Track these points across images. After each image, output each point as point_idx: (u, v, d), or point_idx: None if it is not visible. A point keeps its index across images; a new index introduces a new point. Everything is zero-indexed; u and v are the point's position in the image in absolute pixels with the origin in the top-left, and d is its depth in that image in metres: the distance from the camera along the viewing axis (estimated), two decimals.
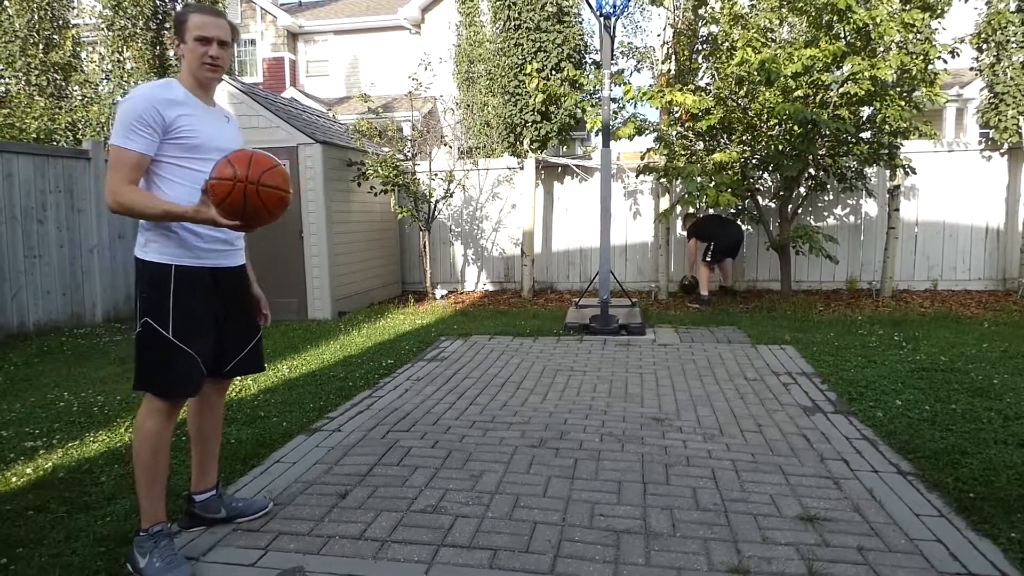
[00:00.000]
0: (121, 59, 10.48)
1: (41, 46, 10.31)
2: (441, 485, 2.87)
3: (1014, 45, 7.29)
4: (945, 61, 6.75)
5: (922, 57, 6.59)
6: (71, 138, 10.24)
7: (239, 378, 4.64)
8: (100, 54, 10.92)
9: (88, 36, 11.60)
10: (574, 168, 9.05)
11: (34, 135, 9.80)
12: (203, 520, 2.54)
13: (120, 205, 2.13)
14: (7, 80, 10.28)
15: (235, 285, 2.43)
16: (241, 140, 2.47)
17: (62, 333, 6.60)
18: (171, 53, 10.48)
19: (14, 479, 3.01)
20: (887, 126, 6.76)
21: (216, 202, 2.04)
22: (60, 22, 10.66)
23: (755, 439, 3.36)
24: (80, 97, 10.79)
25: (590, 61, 8.72)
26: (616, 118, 7.39)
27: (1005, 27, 7.12)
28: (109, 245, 7.42)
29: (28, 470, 3.11)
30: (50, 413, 4.02)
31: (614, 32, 6.31)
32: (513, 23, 8.20)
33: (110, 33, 10.37)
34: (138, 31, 10.21)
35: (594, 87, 7.77)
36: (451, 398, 4.21)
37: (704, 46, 7.79)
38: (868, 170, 7.77)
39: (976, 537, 2.35)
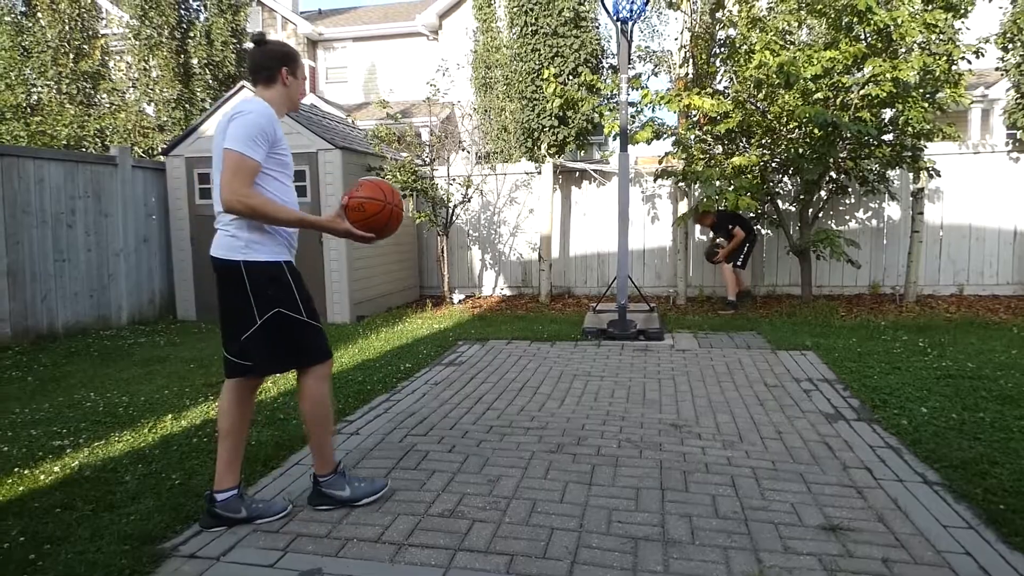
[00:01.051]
0: (147, 67, 10.70)
1: (71, 56, 10.55)
2: (458, 489, 2.87)
3: None
4: (969, 62, 6.63)
5: (945, 58, 6.48)
6: (99, 144, 10.46)
7: None
8: (127, 63, 11.16)
9: (116, 45, 11.85)
10: (592, 172, 9.04)
11: (64, 142, 10.03)
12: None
13: (246, 207, 2.35)
14: (39, 89, 10.53)
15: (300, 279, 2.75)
16: None
17: (89, 335, 6.72)
18: (195, 61, 10.69)
19: (42, 477, 3.07)
20: (910, 128, 6.65)
21: (362, 218, 2.50)
22: (90, 32, 10.92)
23: (775, 446, 3.32)
24: (108, 104, 11.03)
25: (607, 66, 8.71)
26: (634, 122, 7.37)
27: None
28: (135, 249, 7.55)
29: (56, 468, 3.17)
30: (77, 413, 4.10)
31: (631, 36, 6.30)
32: (530, 28, 8.22)
33: (137, 42, 10.60)
34: (163, 40, 10.43)
35: (611, 91, 7.76)
36: (468, 402, 4.22)
37: (722, 49, 7.74)
38: (891, 173, 7.65)
39: (1007, 550, 2.30)
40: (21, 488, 2.96)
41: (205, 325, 7.45)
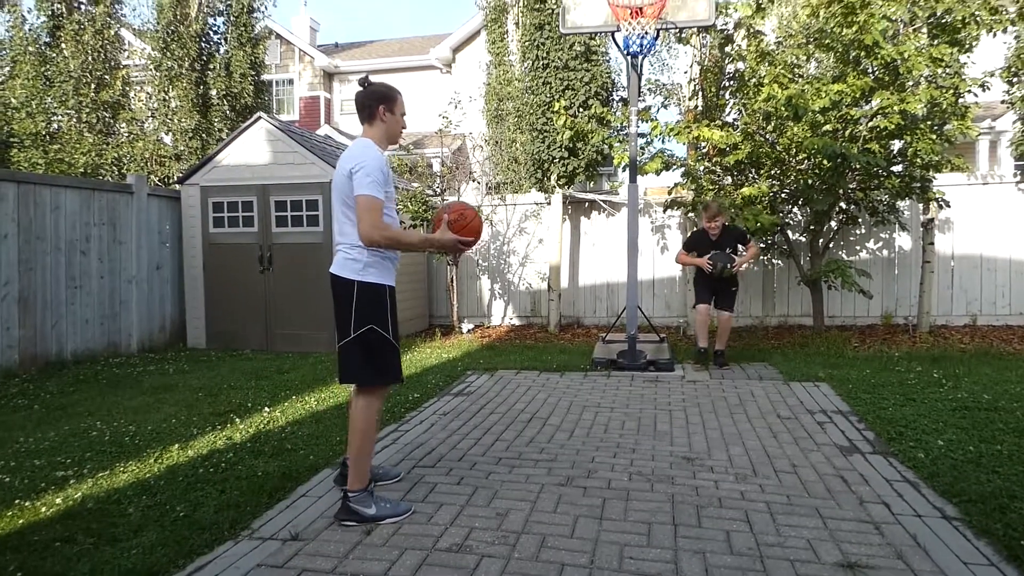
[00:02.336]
0: (167, 98, 10.93)
1: (93, 86, 10.80)
2: (466, 523, 2.83)
3: None
4: (975, 95, 6.68)
5: (952, 91, 6.52)
6: (116, 172, 10.64)
7: (267, 410, 4.74)
8: (147, 93, 11.40)
9: (137, 76, 12.13)
10: (601, 203, 9.08)
11: (81, 169, 10.20)
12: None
13: (386, 239, 2.75)
14: (59, 117, 10.76)
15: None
16: None
17: (98, 362, 6.75)
18: (213, 93, 10.91)
19: (44, 509, 3.05)
20: (919, 159, 6.67)
21: (462, 225, 2.96)
22: (112, 63, 11.18)
23: (790, 480, 3.26)
24: (127, 134, 11.25)
25: (617, 98, 8.81)
26: (643, 153, 7.43)
27: None
28: (147, 276, 7.62)
29: (58, 500, 3.15)
30: (82, 442, 4.09)
31: (641, 70, 6.38)
32: (542, 62, 8.36)
33: (157, 73, 10.85)
34: (183, 71, 10.66)
35: (621, 123, 7.83)
36: (477, 433, 4.18)
37: (731, 82, 7.82)
38: (900, 203, 7.65)
39: None
40: (21, 521, 2.93)
41: (215, 353, 7.47)
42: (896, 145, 7.04)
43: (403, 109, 2.99)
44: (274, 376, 6.06)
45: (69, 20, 10.62)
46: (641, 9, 5.77)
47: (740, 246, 6.14)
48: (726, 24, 7.71)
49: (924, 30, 6.81)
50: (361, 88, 2.95)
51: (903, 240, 8.21)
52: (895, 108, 6.22)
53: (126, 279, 7.38)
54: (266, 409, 4.81)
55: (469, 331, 8.81)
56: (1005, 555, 2.44)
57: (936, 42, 6.53)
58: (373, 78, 3.04)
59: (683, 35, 8.09)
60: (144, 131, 11.21)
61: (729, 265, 5.85)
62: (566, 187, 8.67)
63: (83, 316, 6.85)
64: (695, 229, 6.52)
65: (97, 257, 7.04)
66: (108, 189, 7.28)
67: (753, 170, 7.53)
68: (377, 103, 2.90)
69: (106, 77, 10.99)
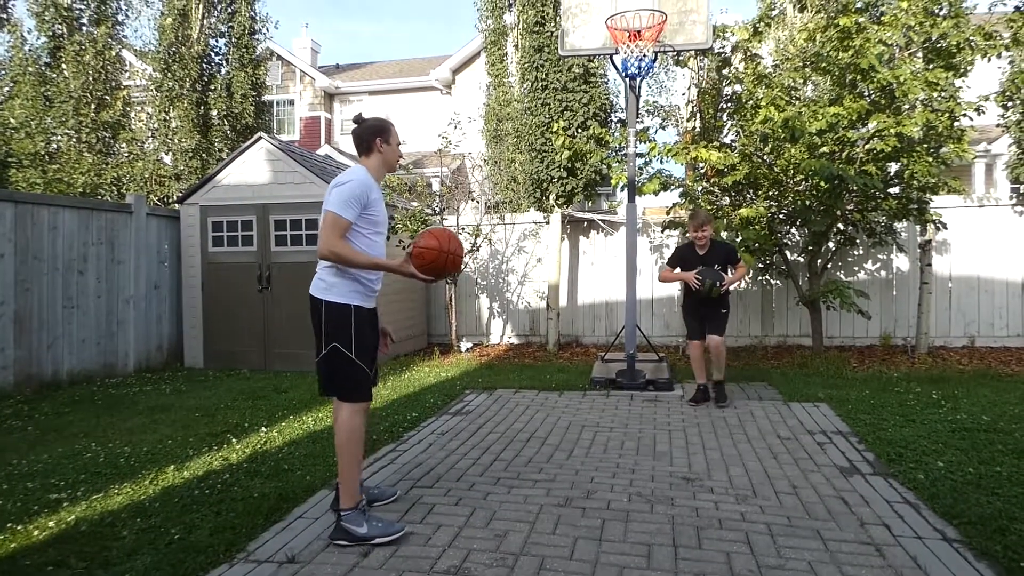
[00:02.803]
0: (168, 118, 11.01)
1: (93, 106, 10.87)
2: (465, 545, 2.80)
3: None
4: (971, 118, 6.75)
5: (947, 114, 6.60)
6: (115, 192, 10.67)
7: (264, 430, 4.71)
8: (148, 113, 11.48)
9: (137, 96, 12.22)
10: (600, 223, 9.12)
11: (80, 189, 10.23)
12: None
13: (333, 253, 2.84)
14: (59, 137, 10.82)
15: (375, 322, 3.15)
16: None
17: (94, 383, 6.71)
18: (214, 113, 10.99)
19: (36, 532, 3.01)
20: (915, 181, 6.72)
21: (422, 263, 2.93)
22: (112, 83, 11.27)
23: (790, 501, 3.23)
24: (127, 154, 11.31)
25: (616, 119, 8.89)
26: (641, 174, 7.48)
27: None
28: (145, 295, 7.61)
29: (51, 523, 3.11)
30: (76, 464, 4.05)
31: (639, 92, 6.45)
32: (541, 84, 8.44)
33: (158, 94, 10.93)
34: (184, 92, 10.75)
35: (620, 144, 7.90)
36: (475, 453, 4.15)
37: (728, 104, 7.90)
38: (898, 225, 7.69)
39: None
40: (13, 544, 2.89)
41: (212, 373, 7.44)
42: (893, 167, 7.10)
43: (398, 139, 3.14)
44: (271, 396, 6.03)
45: (70, 41, 10.72)
46: (639, 32, 5.85)
47: (729, 266, 5.44)
48: (723, 47, 7.82)
49: (920, 54, 6.91)
50: (356, 124, 3.11)
51: (901, 261, 8.24)
52: (892, 131, 6.29)
53: (124, 299, 7.37)
54: (263, 429, 4.78)
55: (468, 350, 8.79)
56: None
57: (931, 66, 6.62)
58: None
59: (681, 58, 8.19)
60: (144, 151, 11.27)
61: (718, 283, 5.17)
62: (565, 206, 8.71)
63: (80, 336, 6.83)
64: (680, 244, 6.22)
65: (95, 277, 7.04)
66: (107, 209, 7.30)
67: (751, 191, 7.58)
68: (373, 136, 3.05)
69: (107, 97, 11.07)
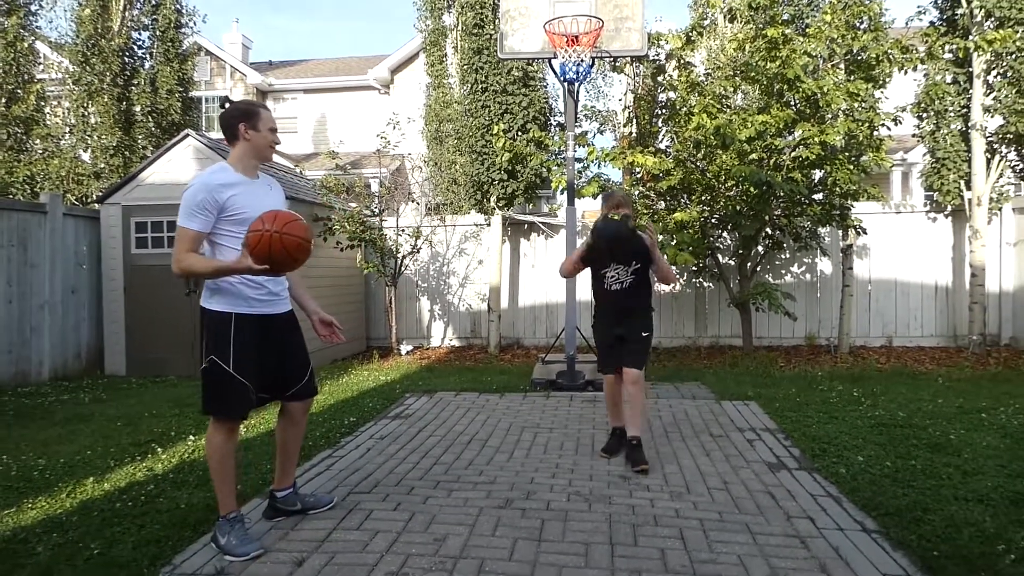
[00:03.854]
0: (86, 113, 10.42)
1: (3, 100, 10.19)
2: (403, 550, 2.76)
3: (951, 114, 7.77)
4: (889, 128, 7.15)
5: (867, 124, 6.97)
6: (28, 191, 10.04)
7: (192, 439, 4.52)
8: (65, 108, 10.84)
9: (53, 91, 11.53)
10: (540, 225, 9.19)
11: None
12: (283, 512, 3.10)
13: (181, 269, 2.67)
14: None
15: (283, 328, 2.92)
16: (284, 204, 2.92)
17: (4, 392, 6.29)
18: (137, 109, 10.49)
19: None
20: (838, 188, 7.07)
21: (249, 251, 2.50)
22: (25, 76, 10.59)
23: (722, 497, 3.33)
24: (41, 151, 10.64)
25: (555, 123, 8.98)
26: (580, 177, 7.58)
27: (943, 97, 7.59)
28: (61, 300, 7.18)
29: None
30: None
31: (578, 96, 6.54)
32: (480, 86, 8.44)
33: (76, 88, 10.34)
34: (104, 87, 10.21)
35: (559, 148, 7.98)
36: (415, 457, 4.10)
37: (663, 111, 8.11)
38: (822, 230, 8.06)
39: None
40: None
41: (136, 380, 7.09)
42: (817, 174, 7.45)
43: (271, 124, 2.86)
44: (199, 403, 5.78)
45: None
46: (577, 37, 5.92)
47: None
48: (658, 55, 8.02)
49: (842, 66, 7.27)
50: (222, 108, 2.89)
51: (824, 265, 8.64)
52: (816, 139, 6.59)
53: (38, 304, 6.93)
54: (191, 438, 4.59)
55: (408, 353, 8.69)
56: (920, 566, 2.56)
57: (853, 78, 6.98)
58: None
59: (618, 64, 8.35)
60: (60, 148, 10.64)
61: (629, 223, 3.77)
62: (505, 209, 8.74)
63: None
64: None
65: (5, 281, 6.59)
66: (19, 208, 6.86)
67: (685, 196, 7.79)
68: (237, 121, 2.79)
69: (18, 91, 10.40)
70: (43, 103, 10.96)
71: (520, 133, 8.32)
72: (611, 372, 4.06)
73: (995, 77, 7.49)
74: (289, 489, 3.13)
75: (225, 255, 2.70)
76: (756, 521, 3.02)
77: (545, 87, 8.83)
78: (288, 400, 3.02)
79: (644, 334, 3.97)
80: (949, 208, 8.24)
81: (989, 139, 7.65)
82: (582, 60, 6.02)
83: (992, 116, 7.50)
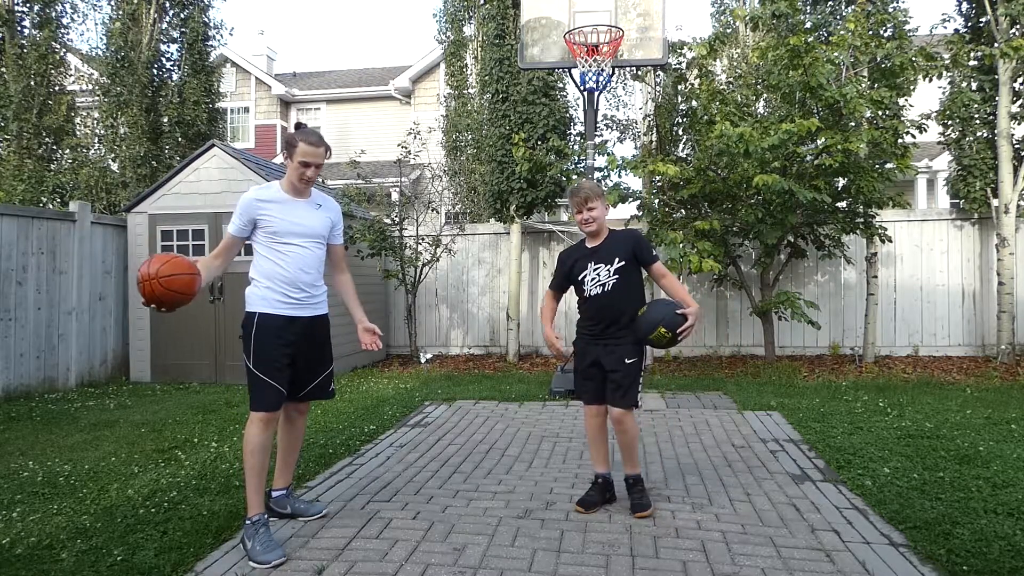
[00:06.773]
0: (115, 124, 10.65)
1: (35, 111, 10.46)
2: (422, 559, 2.75)
3: (978, 121, 7.65)
4: (913, 136, 7.05)
5: (892, 132, 6.88)
6: (58, 200, 10.27)
7: (215, 446, 4.56)
8: (95, 119, 11.09)
9: (83, 102, 11.79)
10: (559, 234, 9.18)
11: (20, 196, 9.81)
12: (274, 513, 3.15)
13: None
14: None
15: (308, 331, 3.03)
16: (328, 223, 3.10)
17: (33, 398, 6.42)
18: (165, 120, 10.70)
19: None
20: (862, 196, 6.97)
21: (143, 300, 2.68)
22: (56, 88, 10.86)
23: (744, 509, 3.28)
24: (71, 160, 10.89)
25: (575, 132, 8.99)
26: (600, 186, 7.55)
27: (968, 105, 7.47)
28: (88, 307, 7.32)
29: None
30: (12, 484, 3.85)
31: (597, 105, 6.54)
32: (501, 96, 8.48)
33: (106, 99, 10.58)
34: (133, 98, 10.43)
35: (579, 157, 7.99)
36: (434, 466, 4.10)
37: (684, 119, 8.07)
38: (845, 238, 7.95)
39: None
40: None
41: (160, 387, 7.19)
42: (840, 182, 7.36)
43: (301, 158, 2.88)
44: (223, 410, 5.85)
45: (11, 44, 10.31)
46: (597, 47, 5.93)
47: (643, 267, 3.29)
48: (679, 63, 8.00)
49: (865, 74, 7.20)
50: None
51: (848, 273, 8.52)
52: (839, 147, 6.51)
53: (65, 311, 7.07)
54: (213, 444, 4.64)
55: (427, 361, 8.71)
56: None
57: (876, 85, 6.90)
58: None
59: (638, 73, 8.34)
60: (89, 158, 10.87)
61: (672, 327, 3.05)
62: (525, 218, 8.75)
63: (17, 350, 6.52)
64: (563, 251, 3.58)
65: (35, 288, 6.74)
66: (48, 217, 7.01)
67: (706, 204, 7.74)
68: (285, 147, 3.02)
69: (49, 102, 10.66)
70: (73, 114, 11.23)
71: (540, 142, 8.34)
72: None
73: (1021, 84, 7.36)
74: (283, 491, 3.20)
75: (260, 262, 2.97)
76: (780, 534, 2.97)
77: (565, 96, 8.86)
78: (297, 400, 3.12)
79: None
80: (976, 216, 8.09)
81: (1016, 146, 7.51)
82: (602, 69, 6.03)
83: (1019, 123, 7.36)
